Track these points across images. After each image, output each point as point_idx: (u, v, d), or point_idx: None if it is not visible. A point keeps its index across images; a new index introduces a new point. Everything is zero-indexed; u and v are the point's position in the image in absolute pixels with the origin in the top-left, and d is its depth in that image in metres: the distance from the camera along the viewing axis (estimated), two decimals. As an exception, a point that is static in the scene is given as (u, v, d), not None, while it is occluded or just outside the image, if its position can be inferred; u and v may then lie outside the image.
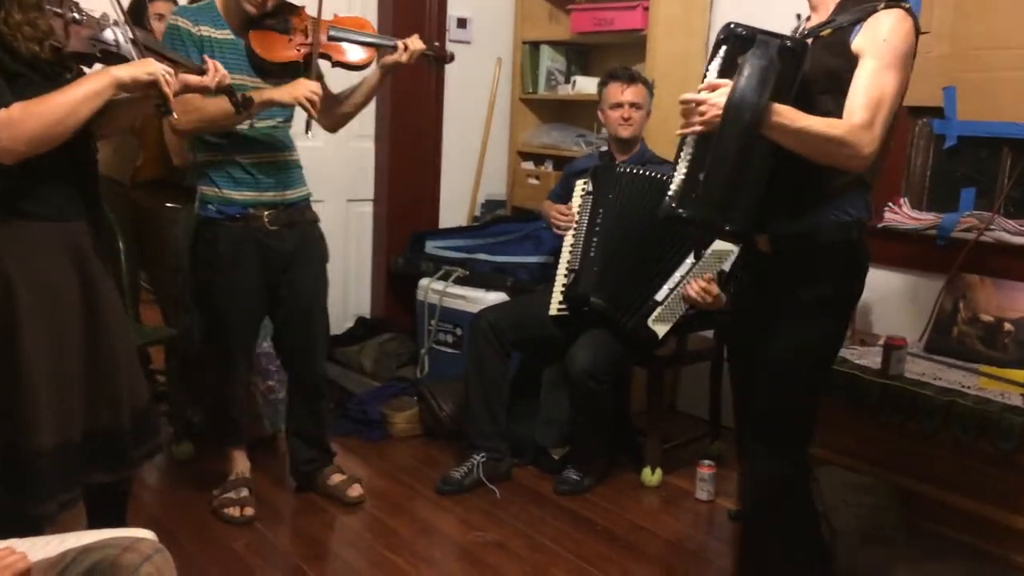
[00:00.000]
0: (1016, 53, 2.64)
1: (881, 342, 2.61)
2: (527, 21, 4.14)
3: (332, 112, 2.71)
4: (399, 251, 3.93)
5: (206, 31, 2.45)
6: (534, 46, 4.15)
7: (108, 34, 1.88)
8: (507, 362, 3.05)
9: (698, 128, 1.79)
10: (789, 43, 1.76)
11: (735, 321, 2.22)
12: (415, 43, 2.62)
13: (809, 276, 1.93)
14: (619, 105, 3.04)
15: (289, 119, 2.65)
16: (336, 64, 2.59)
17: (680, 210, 1.82)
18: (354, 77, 2.74)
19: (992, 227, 2.68)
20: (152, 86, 1.84)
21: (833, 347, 2.04)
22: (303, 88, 2.44)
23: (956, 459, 2.38)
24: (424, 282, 3.70)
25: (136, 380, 2.03)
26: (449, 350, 3.58)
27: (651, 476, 3.04)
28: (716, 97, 1.75)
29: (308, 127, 2.48)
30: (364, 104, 2.76)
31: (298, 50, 2.52)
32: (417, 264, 3.80)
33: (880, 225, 2.93)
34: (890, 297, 2.96)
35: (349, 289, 4.01)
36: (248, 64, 2.50)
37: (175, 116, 1.94)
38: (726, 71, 1.80)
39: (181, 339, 3.10)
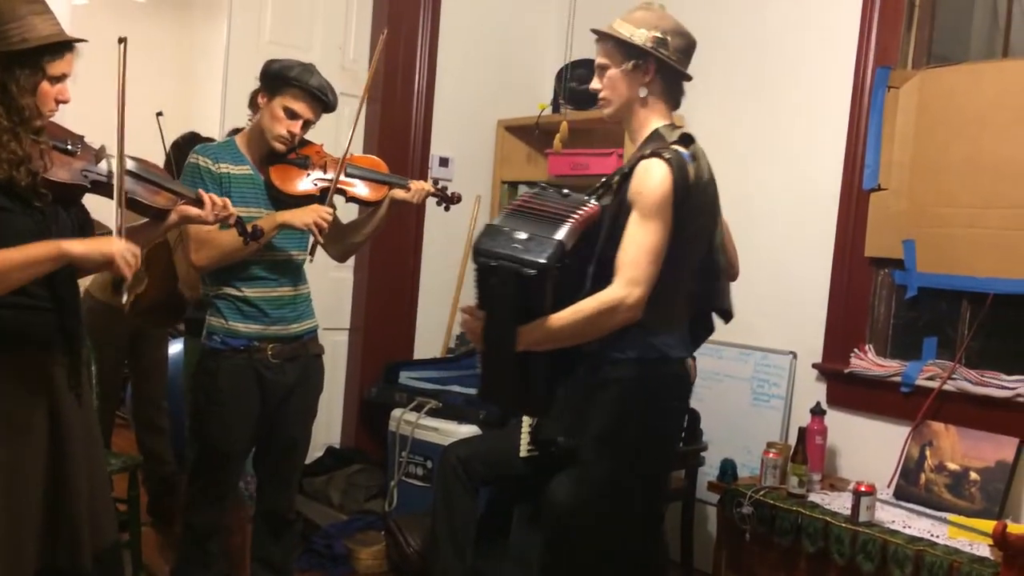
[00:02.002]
0: (967, 212, 2.79)
1: (850, 487, 2.62)
2: (506, 162, 4.30)
3: (342, 242, 2.80)
4: (373, 381, 3.93)
5: (225, 167, 2.54)
6: (512, 185, 4.30)
7: (103, 166, 1.92)
8: (476, 498, 3.01)
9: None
10: (528, 269, 1.84)
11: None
12: (422, 186, 2.75)
13: (588, 412, 2.10)
14: None
15: (303, 251, 2.71)
16: (350, 199, 2.71)
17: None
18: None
19: (955, 376, 2.76)
20: (106, 266, 1.80)
21: (613, 492, 2.12)
22: (313, 213, 2.53)
23: (928, 610, 2.36)
24: (396, 413, 3.69)
25: (104, 518, 1.98)
26: (419, 483, 3.53)
27: (622, 621, 2.96)
28: (475, 323, 1.99)
29: (312, 251, 2.61)
30: (373, 235, 2.85)
31: (315, 184, 2.63)
32: (391, 394, 3.79)
33: (846, 371, 3.01)
34: (857, 442, 3.00)
35: (320, 418, 3.90)
36: (266, 197, 2.58)
37: (134, 292, 1.94)
38: (481, 294, 1.97)
39: (159, 466, 3.06)
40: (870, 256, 3.04)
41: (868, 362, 2.98)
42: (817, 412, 2.91)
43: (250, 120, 2.70)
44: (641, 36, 2.05)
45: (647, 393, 2.04)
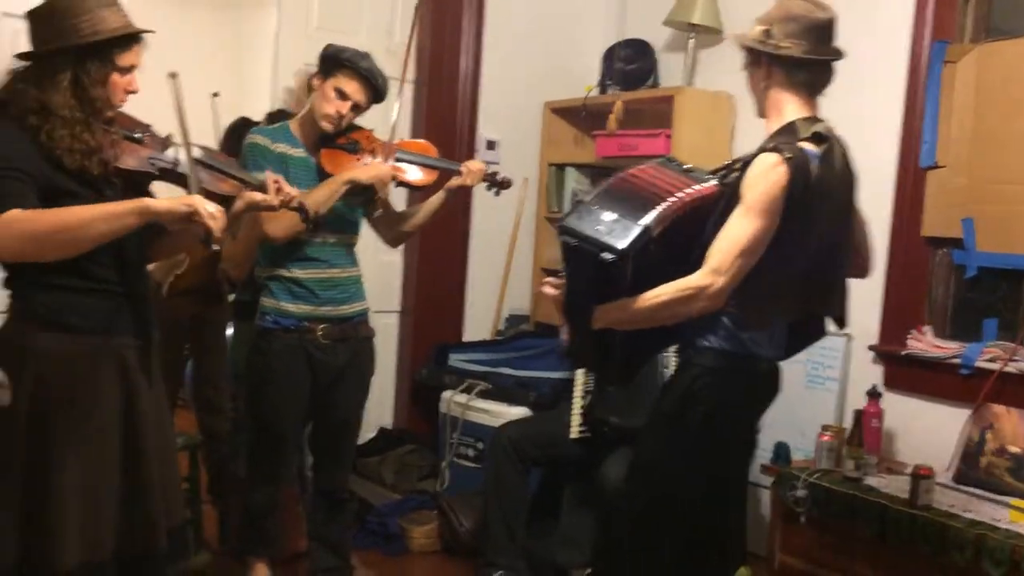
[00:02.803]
0: (1031, 188, 2.72)
1: (908, 471, 2.59)
2: (553, 145, 4.29)
3: (396, 228, 2.84)
4: (423, 363, 3.97)
5: (282, 148, 2.59)
6: (559, 168, 4.29)
7: (170, 154, 1.96)
8: (527, 479, 3.04)
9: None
10: (606, 254, 1.83)
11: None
12: (478, 167, 2.76)
13: (661, 394, 2.11)
14: None
15: (355, 235, 2.74)
16: (400, 184, 2.73)
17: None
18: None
19: (1016, 358, 2.70)
20: (190, 219, 1.78)
21: (677, 476, 2.07)
22: (379, 169, 2.60)
23: (988, 595, 2.32)
24: (447, 395, 3.72)
25: (175, 499, 2.04)
26: (470, 464, 3.57)
27: (674, 602, 2.97)
28: (555, 293, 2.02)
29: (373, 212, 2.70)
30: (426, 223, 2.88)
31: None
32: (440, 376, 3.83)
33: (904, 352, 2.96)
34: (914, 425, 2.95)
35: (372, 399, 3.98)
36: (318, 181, 2.62)
37: (216, 247, 1.94)
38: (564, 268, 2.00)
39: (218, 446, 3.14)
40: (927, 235, 2.98)
41: (926, 344, 2.93)
42: (873, 395, 2.87)
43: (286, 101, 2.72)
44: (751, 35, 2.03)
45: (722, 386, 2.01)
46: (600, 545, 2.96)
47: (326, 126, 2.59)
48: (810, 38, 2.00)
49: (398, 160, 2.72)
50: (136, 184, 1.94)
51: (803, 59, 2.00)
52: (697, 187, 1.97)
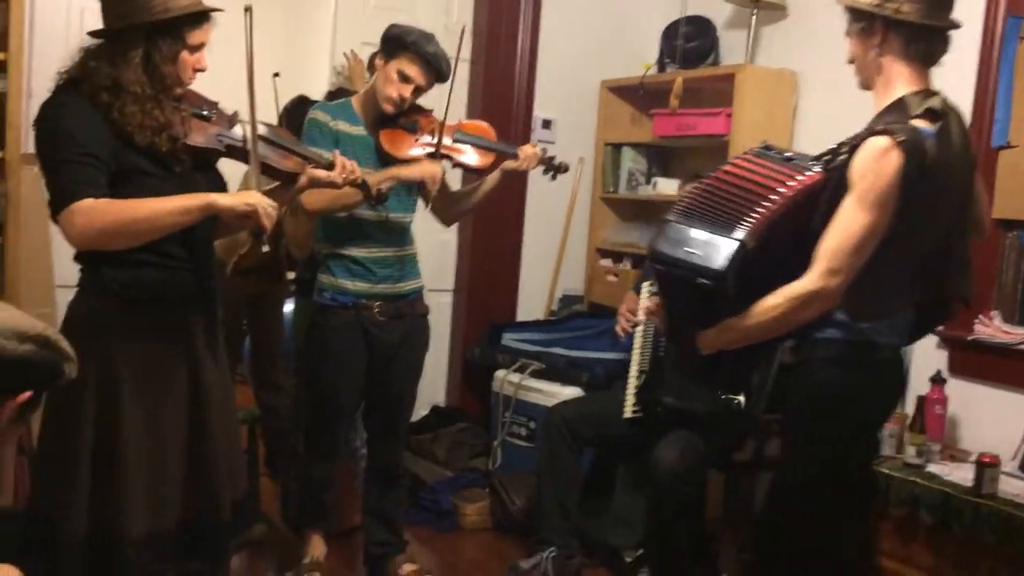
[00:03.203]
0: (1110, 170, 2.61)
1: (972, 458, 2.52)
2: (610, 124, 4.25)
3: (450, 209, 2.85)
4: (476, 342, 3.98)
5: (342, 127, 2.61)
6: (616, 147, 4.25)
7: (237, 131, 1.98)
8: (580, 458, 3.03)
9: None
10: (703, 279, 1.73)
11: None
12: (533, 151, 2.75)
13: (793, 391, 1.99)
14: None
15: (411, 213, 2.76)
16: (456, 165, 2.73)
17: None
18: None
19: (1088, 344, 2.61)
20: (248, 217, 1.85)
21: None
22: (428, 168, 2.59)
23: (1055, 587, 2.27)
24: (500, 374, 3.73)
25: (238, 471, 2.07)
26: (522, 443, 3.58)
27: (727, 586, 2.95)
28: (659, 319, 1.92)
29: (427, 203, 2.69)
30: (480, 204, 2.88)
31: (423, 150, 2.66)
32: (494, 355, 3.84)
33: (970, 338, 2.87)
34: (979, 412, 2.87)
35: (425, 377, 4.01)
36: (376, 159, 2.64)
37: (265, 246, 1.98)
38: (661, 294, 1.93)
39: (275, 420, 3.19)
40: (997, 218, 2.88)
41: (993, 329, 2.85)
42: (937, 380, 2.80)
43: (367, 82, 2.73)
44: None
45: (845, 378, 1.92)
46: (651, 527, 2.96)
47: (388, 108, 2.60)
48: (931, 2, 1.84)
49: (456, 141, 2.72)
50: (203, 161, 1.97)
51: (925, 25, 1.83)
52: (799, 178, 1.80)
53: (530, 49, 4.05)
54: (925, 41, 1.87)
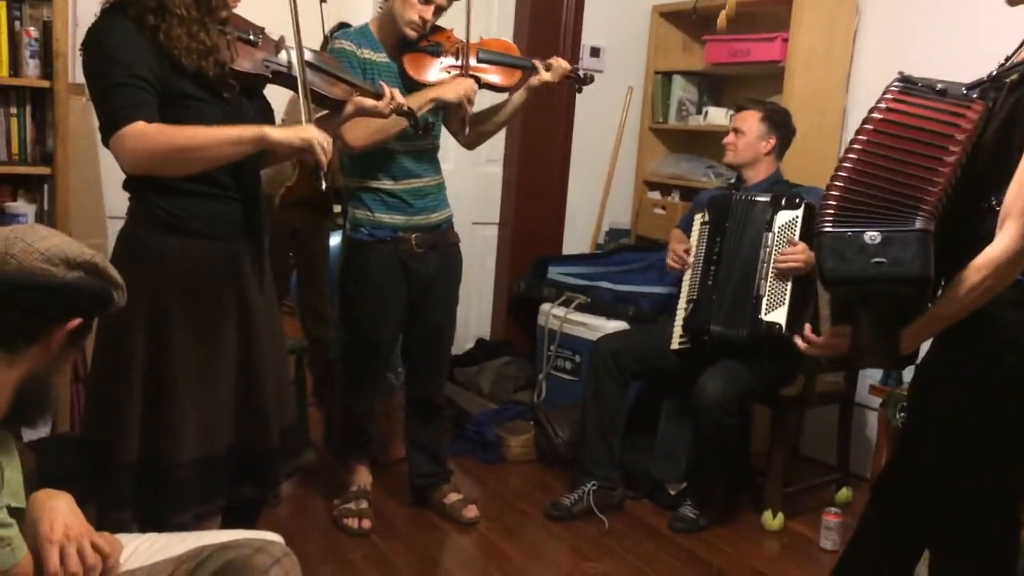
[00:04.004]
0: None
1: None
2: (660, 51, 4.12)
3: (474, 130, 2.78)
4: (522, 275, 3.96)
5: (367, 54, 2.56)
6: (666, 76, 4.13)
7: (283, 56, 1.95)
8: (625, 391, 3.02)
9: None
10: (904, 288, 1.48)
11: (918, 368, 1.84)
12: (560, 63, 2.68)
13: (990, 319, 1.58)
14: (728, 132, 3.04)
15: (436, 142, 2.72)
16: (484, 86, 2.67)
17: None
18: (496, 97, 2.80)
19: None
20: (303, 151, 1.83)
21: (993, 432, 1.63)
22: (464, 85, 2.55)
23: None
24: (545, 307, 3.71)
25: (287, 399, 2.09)
26: (567, 376, 3.57)
27: (772, 520, 2.94)
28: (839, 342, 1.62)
29: (465, 125, 2.60)
30: (505, 124, 2.83)
31: (449, 71, 2.61)
32: (539, 289, 3.82)
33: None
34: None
35: (470, 310, 4.06)
36: (401, 85, 2.59)
37: (324, 183, 1.91)
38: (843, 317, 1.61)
39: (322, 351, 3.23)
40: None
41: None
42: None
43: (382, 7, 2.68)
44: None
45: None
46: (694, 458, 2.95)
47: (410, 33, 2.54)
48: None
49: (480, 60, 2.65)
50: (250, 86, 1.95)
51: None
52: (963, 118, 1.49)
53: (579, -27, 3.93)
54: None
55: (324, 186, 1.89)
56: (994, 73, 1.60)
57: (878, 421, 2.87)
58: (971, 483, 1.65)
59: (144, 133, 1.72)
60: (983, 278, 1.50)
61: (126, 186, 1.90)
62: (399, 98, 2.14)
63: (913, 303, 1.53)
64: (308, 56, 1.98)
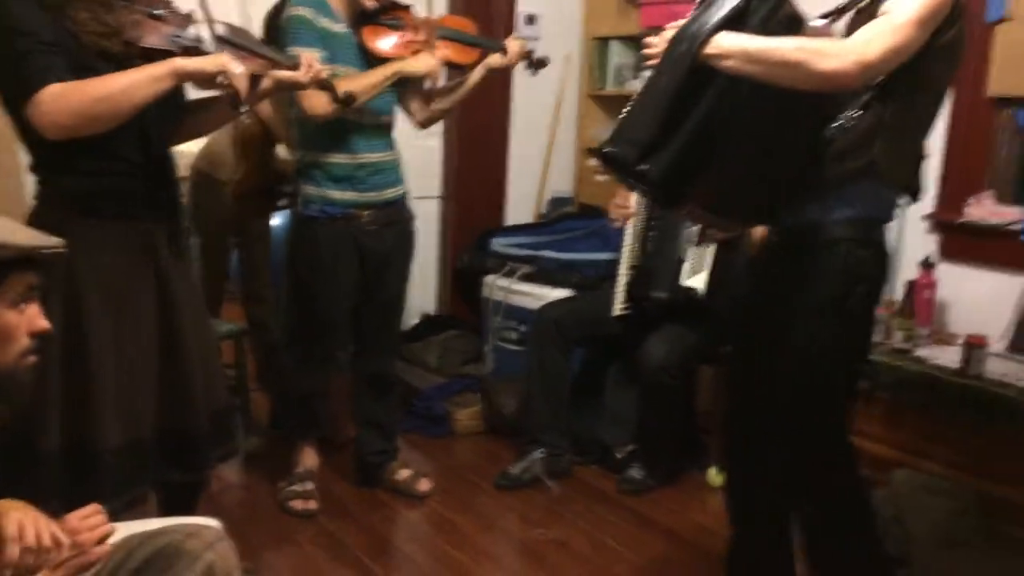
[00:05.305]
0: (1110, 37, 2.50)
1: (960, 341, 2.50)
2: (596, 17, 4.10)
3: (428, 109, 2.77)
4: (465, 248, 3.94)
5: (325, 23, 2.51)
6: (603, 42, 4.11)
7: (192, 31, 1.89)
8: (569, 358, 3.03)
9: (650, 64, 1.70)
10: None
11: (737, 324, 2.05)
12: (519, 44, 2.70)
13: (814, 276, 1.77)
14: None
15: (391, 116, 2.69)
16: (442, 63, 2.65)
17: (606, 147, 1.68)
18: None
19: (1082, 221, 2.54)
20: (217, 78, 1.78)
21: (845, 356, 1.86)
22: (431, 60, 2.55)
23: (1040, 463, 2.27)
24: (490, 279, 3.70)
25: (216, 381, 2.05)
26: (513, 347, 3.57)
27: (716, 477, 2.98)
28: (669, 33, 1.67)
29: (429, 100, 2.65)
30: (459, 102, 2.81)
31: (408, 46, 2.58)
32: (483, 261, 3.80)
33: (960, 221, 2.81)
34: (970, 295, 2.83)
35: (415, 286, 3.99)
36: (360, 58, 2.56)
37: (243, 112, 1.93)
38: None
39: (264, 334, 3.20)
40: (993, 95, 2.79)
41: (985, 210, 2.78)
42: (927, 265, 2.76)
43: None
44: None
45: (875, 258, 1.80)
46: (641, 422, 2.97)
47: (368, 3, 2.51)
48: None
49: (440, 37, 2.64)
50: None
51: None
52: None
53: (510, -61, 3.88)
54: None
55: (242, 111, 1.87)
56: (845, 2, 1.75)
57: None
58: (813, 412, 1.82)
59: (60, 94, 1.67)
60: (794, 54, 1.56)
61: (34, 169, 1.85)
62: (317, 67, 2.09)
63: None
64: (219, 29, 1.93)
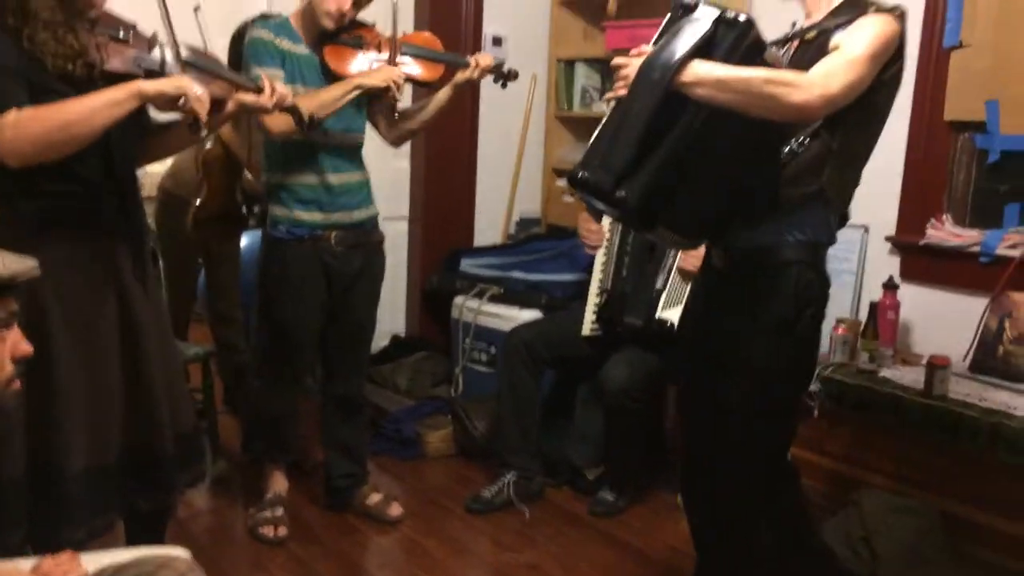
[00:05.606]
0: (1061, 66, 2.58)
1: (924, 361, 2.55)
2: (562, 39, 4.14)
3: (399, 127, 2.76)
4: (434, 269, 3.94)
5: (286, 45, 2.51)
6: (568, 64, 4.15)
7: (155, 54, 1.88)
8: (540, 380, 3.04)
9: (619, 91, 1.72)
10: (729, 13, 1.66)
11: (687, 345, 2.11)
12: (485, 60, 2.67)
13: (766, 299, 1.83)
14: None
15: (360, 134, 2.68)
16: (407, 80, 2.64)
17: (580, 173, 1.71)
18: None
19: (1038, 244, 2.61)
20: (178, 101, 1.77)
21: (796, 377, 1.94)
22: (391, 72, 2.52)
23: (1002, 481, 2.30)
24: (459, 300, 3.70)
25: (181, 404, 2.03)
26: (483, 368, 3.57)
27: (686, 497, 2.99)
28: (636, 60, 1.70)
29: (394, 112, 2.63)
30: (432, 121, 2.79)
31: (370, 65, 2.58)
32: (452, 282, 3.80)
33: (922, 242, 2.88)
34: (932, 316, 2.89)
35: (384, 307, 3.96)
36: (322, 79, 2.55)
37: (204, 135, 1.92)
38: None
39: (232, 356, 3.16)
40: (950, 119, 2.86)
41: (945, 232, 2.85)
42: (890, 287, 2.81)
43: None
44: None
45: (821, 281, 1.87)
46: (609, 444, 2.99)
47: (327, 23, 2.50)
48: None
49: (403, 54, 2.63)
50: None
51: None
52: None
53: (477, -39, 3.91)
54: None
55: (203, 135, 1.87)
56: (791, 33, 1.89)
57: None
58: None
59: (19, 121, 1.66)
60: (766, 86, 1.61)
61: None
62: (281, 90, 2.08)
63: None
64: (184, 53, 1.92)
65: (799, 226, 1.81)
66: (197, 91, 1.78)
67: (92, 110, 1.70)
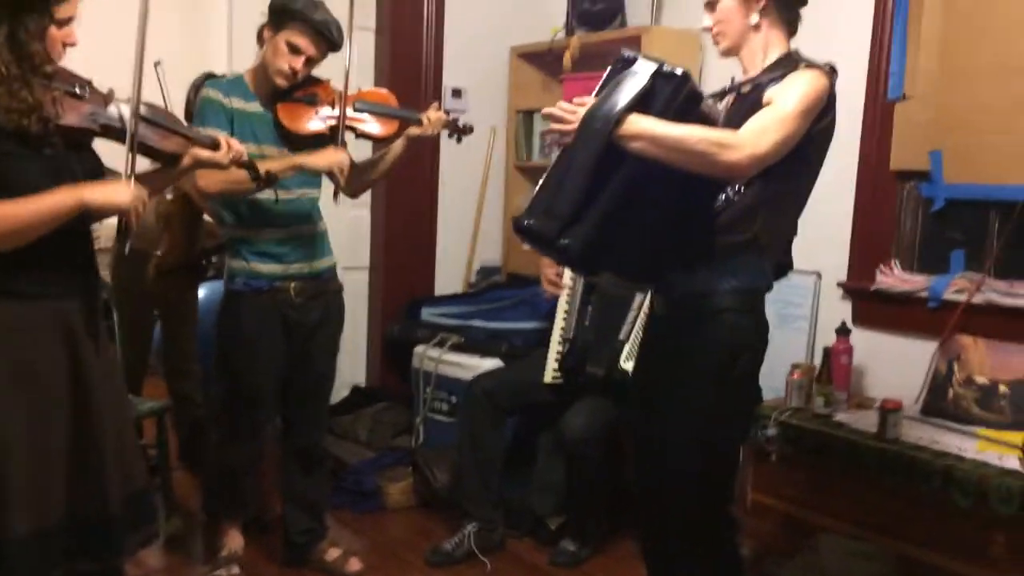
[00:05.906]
0: (999, 117, 2.67)
1: (876, 405, 2.59)
2: (520, 91, 4.20)
3: (356, 180, 2.76)
4: (395, 318, 3.93)
5: (236, 103, 2.52)
6: (527, 114, 4.21)
7: (112, 110, 1.88)
8: (502, 429, 3.03)
9: (556, 134, 1.82)
10: (666, 67, 1.73)
11: (635, 391, 2.14)
12: (437, 115, 2.69)
13: (701, 345, 1.87)
14: None
15: (316, 189, 2.69)
16: (360, 136, 2.66)
17: (525, 221, 1.77)
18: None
19: (983, 289, 2.68)
20: (118, 213, 1.82)
21: (734, 422, 1.97)
22: (335, 156, 2.51)
23: (957, 523, 2.33)
24: (420, 349, 3.69)
25: (132, 464, 1.98)
26: (444, 418, 3.55)
27: (649, 545, 2.98)
28: (580, 109, 1.77)
29: (336, 195, 2.58)
30: (388, 173, 2.82)
31: (324, 122, 2.58)
32: (413, 331, 3.79)
33: (872, 288, 2.94)
34: (884, 360, 2.94)
35: (344, 357, 3.94)
36: (276, 136, 2.56)
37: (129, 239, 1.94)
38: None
39: (189, 409, 3.12)
40: (896, 169, 2.94)
41: (894, 279, 2.91)
42: (842, 332, 2.86)
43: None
44: None
45: (756, 327, 1.92)
46: (569, 493, 2.97)
47: (280, 82, 2.51)
48: None
49: (357, 110, 2.65)
50: (77, 141, 1.87)
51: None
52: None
53: (436, 16, 3.98)
54: (795, 10, 1.98)
55: (126, 247, 1.94)
56: (728, 87, 1.97)
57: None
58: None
59: None
60: (698, 145, 1.69)
61: None
62: (236, 148, 2.09)
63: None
64: (142, 110, 1.92)
65: (733, 273, 1.86)
66: (136, 206, 1.81)
67: (27, 221, 1.71)
